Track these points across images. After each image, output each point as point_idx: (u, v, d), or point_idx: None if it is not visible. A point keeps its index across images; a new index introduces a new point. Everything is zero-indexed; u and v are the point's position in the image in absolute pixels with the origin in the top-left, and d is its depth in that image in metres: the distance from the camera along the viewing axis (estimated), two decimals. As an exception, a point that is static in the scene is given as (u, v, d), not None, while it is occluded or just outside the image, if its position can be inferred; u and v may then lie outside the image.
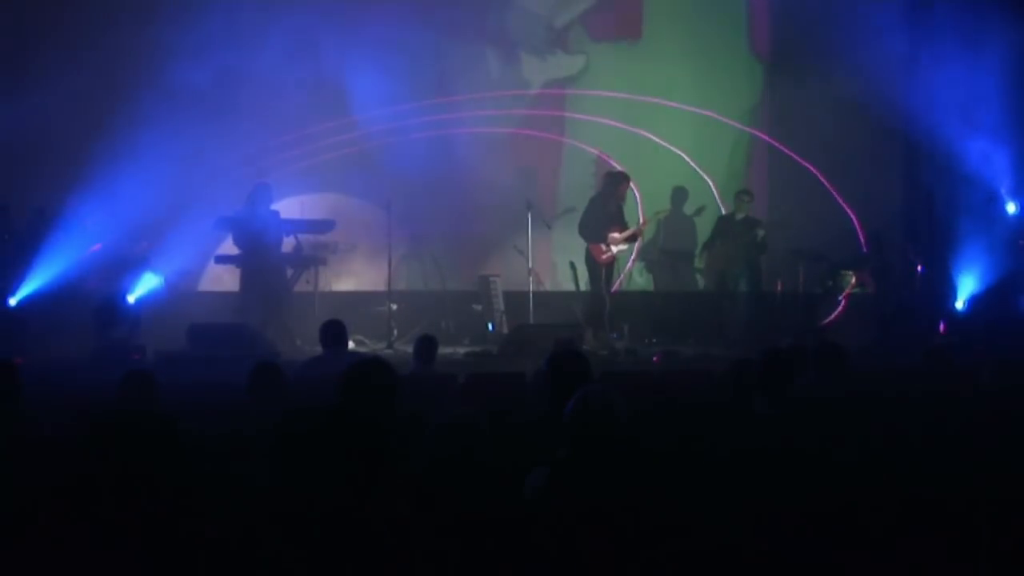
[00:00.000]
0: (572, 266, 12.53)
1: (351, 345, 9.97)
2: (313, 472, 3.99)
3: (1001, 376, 6.14)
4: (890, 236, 12.74)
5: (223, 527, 3.40)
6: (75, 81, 12.09)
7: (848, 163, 12.89)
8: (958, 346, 10.29)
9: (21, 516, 3.45)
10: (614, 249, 11.58)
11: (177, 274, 12.22)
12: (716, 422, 5.16)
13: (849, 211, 13.05)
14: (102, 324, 10.75)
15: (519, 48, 13.84)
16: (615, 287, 12.10)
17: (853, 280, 12.50)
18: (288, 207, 12.18)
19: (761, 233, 12.10)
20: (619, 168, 12.56)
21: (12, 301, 11.22)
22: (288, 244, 11.74)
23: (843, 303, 12.48)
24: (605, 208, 11.58)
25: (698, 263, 13.11)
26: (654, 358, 10.80)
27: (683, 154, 13.39)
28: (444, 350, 9.36)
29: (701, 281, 13.27)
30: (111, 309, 10.98)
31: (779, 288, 12.81)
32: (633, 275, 13.46)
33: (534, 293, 12.08)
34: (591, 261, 11.59)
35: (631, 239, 11.80)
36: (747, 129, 13.65)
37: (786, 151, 13.28)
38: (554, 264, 13.36)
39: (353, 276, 13.21)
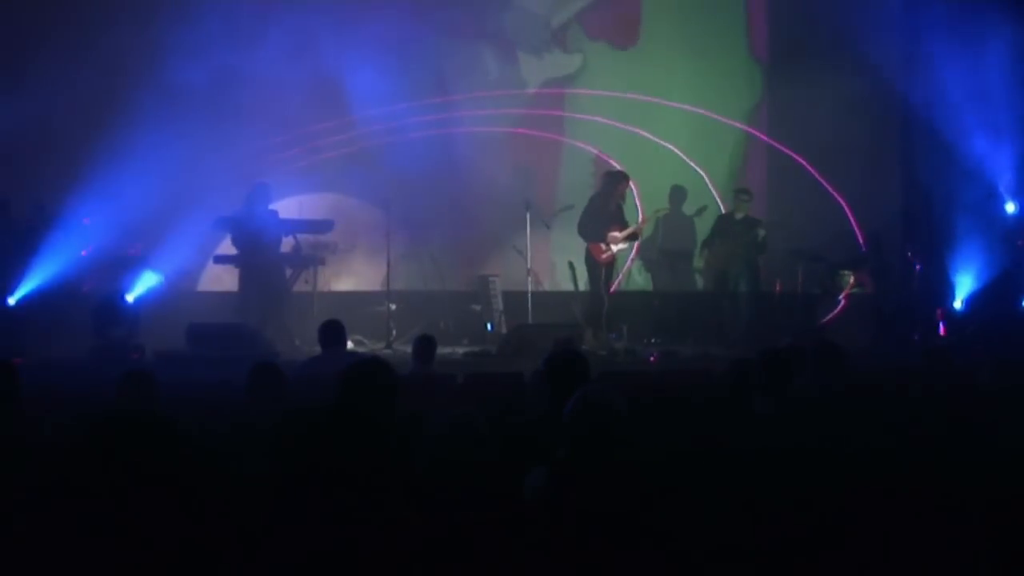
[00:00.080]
0: (571, 266, 12.53)
1: (350, 345, 9.96)
2: (312, 472, 4.00)
3: (1000, 376, 6.15)
4: (889, 236, 12.74)
5: (222, 527, 3.40)
6: (75, 80, 12.10)
7: (847, 163, 12.88)
8: (957, 346, 10.30)
9: (20, 516, 3.45)
10: (614, 248, 11.58)
11: (176, 273, 12.22)
12: (715, 422, 5.17)
13: (848, 211, 13.05)
14: (101, 324, 10.75)
15: (517, 47, 13.85)
16: (614, 286, 12.08)
17: (852, 280, 12.50)
18: (287, 207, 12.17)
19: (762, 233, 12.08)
20: (618, 167, 12.56)
21: (11, 300, 11.21)
22: (287, 244, 11.75)
23: (842, 303, 12.48)
24: (604, 208, 11.58)
25: (697, 263, 13.10)
26: (651, 358, 10.81)
27: (680, 153, 13.39)
28: (443, 350, 9.36)
29: (700, 281, 13.27)
30: (110, 309, 10.99)
31: (778, 288, 12.81)
32: (633, 274, 13.46)
33: (533, 293, 12.08)
34: (591, 261, 11.58)
35: (631, 238, 11.79)
36: (746, 129, 13.65)
37: (785, 151, 13.28)
38: (553, 264, 13.36)
39: (352, 276, 13.22)
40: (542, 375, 5.09)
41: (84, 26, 12.40)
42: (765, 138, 13.59)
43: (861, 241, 12.91)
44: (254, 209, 11.38)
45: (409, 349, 8.36)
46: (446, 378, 7.65)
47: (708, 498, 3.65)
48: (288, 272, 11.71)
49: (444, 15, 13.39)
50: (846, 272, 12.49)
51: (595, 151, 13.55)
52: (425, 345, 7.82)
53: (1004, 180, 12.41)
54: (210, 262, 12.31)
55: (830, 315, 12.40)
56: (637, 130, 13.41)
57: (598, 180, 12.36)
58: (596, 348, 10.99)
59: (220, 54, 11.91)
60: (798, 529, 3.48)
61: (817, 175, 13.06)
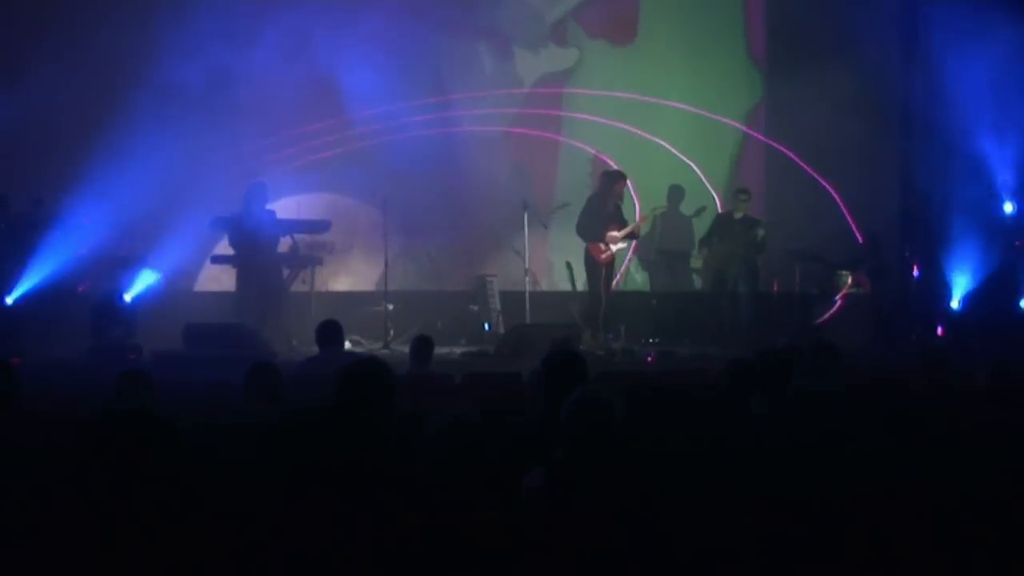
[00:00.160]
0: (568, 266, 12.53)
1: (347, 345, 9.96)
2: (309, 472, 4.00)
3: (997, 376, 6.15)
4: (887, 236, 12.74)
5: (219, 526, 3.40)
6: (72, 80, 12.11)
7: (844, 163, 12.88)
8: (955, 346, 10.31)
9: (19, 517, 3.45)
10: (613, 248, 11.58)
11: (173, 273, 12.22)
12: (712, 422, 5.17)
13: (845, 211, 13.05)
14: (99, 324, 10.75)
15: (512, 43, 13.83)
16: (613, 285, 12.07)
17: (849, 280, 12.51)
18: (284, 207, 12.18)
19: (761, 233, 12.06)
20: (615, 167, 12.57)
21: (9, 300, 11.21)
22: (284, 244, 11.75)
23: (839, 303, 12.48)
24: (603, 207, 11.57)
25: (695, 262, 13.09)
26: (648, 358, 10.80)
27: (678, 152, 13.38)
28: (440, 350, 9.36)
29: (698, 281, 13.26)
30: (108, 309, 10.98)
31: (776, 288, 12.81)
32: (631, 273, 13.44)
33: (530, 293, 12.09)
34: (590, 261, 11.58)
35: (629, 237, 11.78)
36: (744, 129, 13.64)
37: (783, 150, 13.28)
38: (551, 264, 13.36)
39: (349, 276, 13.22)
40: (540, 375, 5.09)
41: (81, 26, 12.41)
42: (763, 138, 13.59)
43: (859, 241, 12.91)
44: (251, 209, 11.38)
45: (407, 349, 8.36)
46: (444, 378, 7.65)
47: (706, 498, 3.66)
48: (286, 272, 11.71)
49: (439, 12, 13.40)
50: (844, 272, 12.50)
51: (593, 151, 13.55)
52: (422, 345, 7.82)
53: (1002, 180, 12.41)
54: (207, 262, 12.31)
55: (827, 315, 12.40)
56: (635, 129, 13.41)
57: (595, 180, 12.35)
58: (594, 348, 10.98)
59: (217, 53, 11.91)
60: (796, 529, 3.49)
61: (815, 175, 13.06)
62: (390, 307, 11.99)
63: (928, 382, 6.45)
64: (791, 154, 13.19)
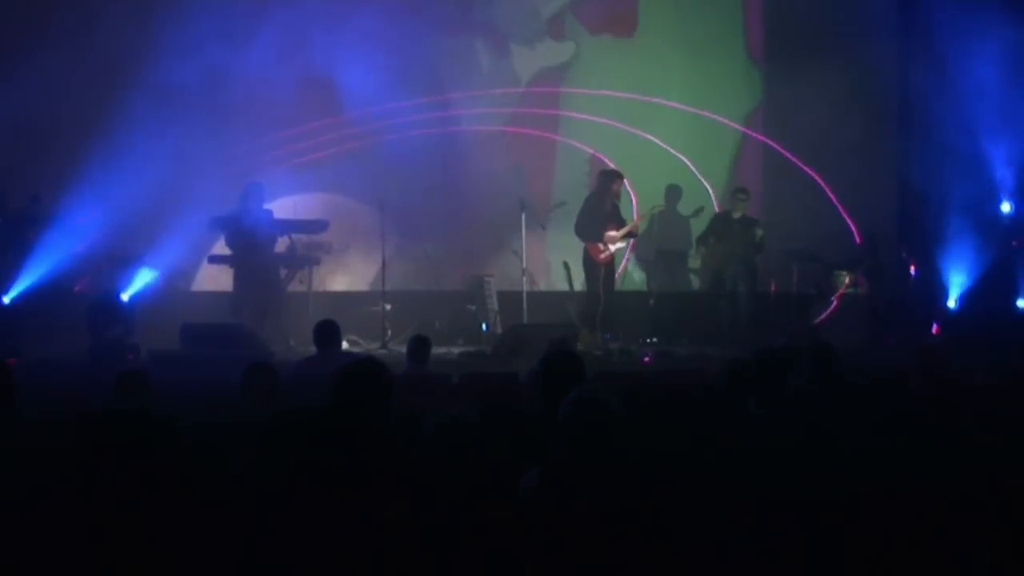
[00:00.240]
0: (566, 266, 12.52)
1: (345, 345, 9.96)
2: (306, 472, 4.00)
3: (993, 375, 6.16)
4: (884, 236, 12.73)
5: (217, 526, 3.40)
6: (68, 79, 12.13)
7: (842, 162, 12.88)
8: (952, 345, 10.31)
9: (17, 517, 3.45)
10: (612, 248, 11.57)
11: (170, 273, 12.22)
12: (709, 422, 5.17)
13: (843, 211, 13.05)
14: (97, 324, 10.74)
15: (508, 39, 13.81)
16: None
17: (847, 280, 12.51)
18: (282, 207, 12.18)
19: (760, 233, 12.04)
20: (612, 166, 12.56)
21: (6, 299, 11.20)
22: (282, 244, 11.75)
23: (836, 303, 12.48)
24: (600, 207, 11.57)
25: (693, 262, 13.08)
26: (645, 359, 10.80)
27: (676, 151, 13.38)
28: (438, 350, 9.37)
29: (696, 281, 13.26)
30: (106, 308, 10.98)
31: (773, 288, 12.81)
32: (629, 272, 13.43)
33: (528, 293, 12.08)
34: (589, 261, 11.57)
35: (628, 236, 11.78)
36: (741, 128, 13.63)
37: (780, 150, 13.28)
38: (548, 264, 13.34)
39: (347, 276, 13.22)
40: (537, 375, 5.09)
41: (78, 25, 12.40)
42: (761, 137, 13.58)
43: (857, 241, 12.90)
44: (248, 208, 11.37)
45: (404, 349, 8.36)
46: (441, 378, 7.65)
47: (703, 498, 3.66)
48: (283, 272, 11.71)
49: (436, 10, 13.40)
50: (841, 272, 12.50)
51: (591, 150, 13.53)
52: (420, 345, 7.82)
53: (1000, 179, 12.42)
54: (205, 262, 12.31)
55: (824, 315, 12.41)
56: (632, 129, 13.40)
57: (592, 180, 12.34)
58: (591, 348, 10.99)
59: (214, 53, 11.92)
60: (793, 529, 3.49)
61: (812, 174, 13.06)
62: (387, 307, 11.99)
63: (925, 381, 6.45)
64: (788, 154, 13.19)
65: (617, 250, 11.75)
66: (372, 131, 13.14)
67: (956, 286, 12.21)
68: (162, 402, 5.74)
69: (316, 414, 4.46)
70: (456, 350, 11.46)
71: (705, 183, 13.31)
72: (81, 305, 11.09)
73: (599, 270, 11.53)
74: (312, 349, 8.11)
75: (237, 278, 11.50)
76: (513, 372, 7.76)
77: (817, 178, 13.05)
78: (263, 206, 11.54)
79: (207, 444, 4.49)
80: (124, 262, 11.80)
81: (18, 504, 3.57)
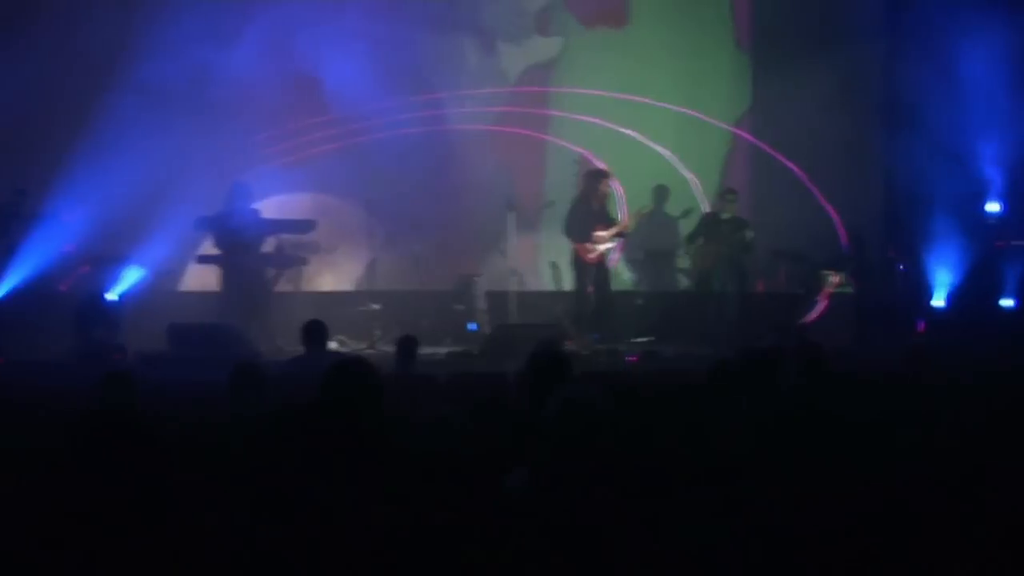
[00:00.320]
0: (554, 266, 12.53)
1: (332, 345, 9.95)
2: (294, 472, 3.99)
3: (978, 375, 6.19)
4: (871, 236, 12.76)
5: (203, 526, 3.40)
6: (53, 78, 12.09)
7: (829, 162, 12.90)
8: (938, 345, 10.34)
9: (2, 518, 3.44)
10: (600, 248, 11.57)
11: (157, 272, 12.19)
12: (696, 422, 5.17)
13: (831, 211, 13.07)
14: (83, 324, 10.70)
15: (495, 36, 13.79)
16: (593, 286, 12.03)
17: (835, 280, 12.53)
18: (268, 207, 12.15)
19: (749, 235, 12.04)
20: (598, 166, 12.57)
21: (-9, 301, 11.18)
22: (269, 244, 11.73)
23: (824, 303, 12.51)
24: (588, 207, 11.58)
25: (681, 262, 13.08)
26: (631, 358, 10.80)
27: (664, 150, 13.37)
28: (425, 350, 9.36)
29: (684, 281, 13.26)
30: (92, 309, 10.94)
31: (761, 288, 12.83)
32: (619, 272, 13.41)
33: (516, 293, 12.08)
34: (578, 261, 11.57)
35: (617, 236, 11.78)
36: (729, 128, 13.62)
37: (768, 150, 13.29)
38: (536, 264, 13.34)
39: (334, 276, 13.19)
40: (525, 375, 5.10)
41: (64, 23, 12.37)
42: (750, 138, 13.57)
43: (844, 241, 12.92)
44: (235, 208, 11.35)
45: (392, 349, 8.35)
46: (429, 378, 7.65)
47: (690, 498, 3.66)
48: (271, 272, 11.69)
49: (422, 8, 13.39)
50: (828, 272, 12.52)
51: (580, 149, 13.51)
52: (407, 345, 7.82)
53: (988, 179, 12.45)
54: (192, 262, 12.28)
55: (811, 314, 12.43)
56: (621, 128, 13.38)
57: (579, 180, 12.35)
58: (579, 348, 10.99)
59: (199, 51, 11.91)
60: (781, 529, 3.50)
61: (800, 174, 13.07)
62: (375, 307, 11.98)
63: (910, 381, 6.47)
64: (776, 153, 13.20)
65: (606, 250, 11.75)
66: (359, 130, 13.12)
67: (942, 285, 12.24)
68: (148, 403, 5.73)
69: (304, 414, 4.46)
70: (444, 350, 11.45)
71: (692, 181, 13.29)
72: (67, 305, 11.05)
73: (588, 270, 11.53)
74: (300, 349, 8.10)
75: (224, 278, 11.48)
76: (501, 372, 7.76)
77: (804, 178, 13.07)
78: (250, 206, 11.52)
79: (194, 445, 4.48)
80: (110, 261, 11.76)
81: (2, 505, 3.56)
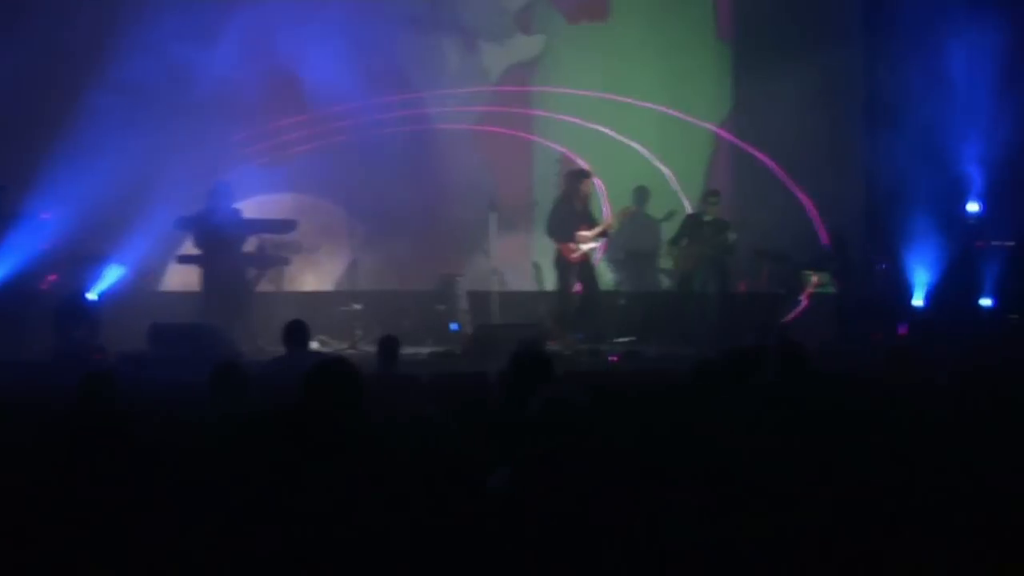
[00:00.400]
0: (536, 266, 12.53)
1: (314, 345, 9.93)
2: (275, 473, 3.98)
3: (958, 376, 6.21)
4: (852, 235, 12.79)
5: (183, 526, 3.39)
6: (32, 76, 12.04)
7: (810, 162, 12.94)
8: (918, 345, 10.38)
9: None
10: (583, 248, 11.58)
11: (138, 272, 12.14)
12: (678, 421, 5.18)
13: (812, 210, 13.11)
14: (63, 324, 10.65)
15: (476, 35, 13.78)
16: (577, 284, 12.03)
17: (815, 279, 12.57)
18: (249, 206, 12.12)
19: (732, 236, 12.05)
20: (580, 165, 12.58)
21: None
22: (251, 244, 11.70)
23: (805, 302, 12.55)
24: (571, 207, 11.58)
25: (664, 262, 13.10)
26: (612, 358, 10.81)
27: (645, 149, 13.39)
28: (407, 350, 9.34)
29: (665, 281, 13.27)
30: (72, 309, 10.88)
31: (743, 288, 12.85)
32: (601, 272, 13.41)
33: (497, 293, 12.08)
34: (561, 261, 11.58)
35: (600, 236, 11.79)
36: (712, 128, 13.64)
37: (750, 150, 13.32)
38: (517, 264, 13.34)
39: (316, 276, 13.17)
40: (507, 375, 5.10)
41: (44, 21, 12.31)
42: (731, 137, 13.60)
43: (825, 240, 12.95)
44: (216, 207, 11.31)
45: (373, 349, 8.34)
46: (410, 378, 7.64)
47: (672, 497, 3.67)
48: (252, 273, 11.66)
49: (402, 6, 13.38)
50: (810, 272, 12.56)
51: (562, 149, 13.52)
52: (389, 345, 7.80)
53: (968, 179, 12.51)
54: (173, 261, 12.25)
55: (792, 314, 12.46)
56: (603, 128, 13.40)
57: (561, 180, 12.36)
58: (562, 348, 11.00)
59: (179, 50, 11.88)
60: (762, 529, 3.50)
61: (781, 174, 13.10)
62: (357, 307, 11.97)
63: (891, 381, 6.50)
64: (757, 153, 13.23)
65: (589, 249, 11.75)
66: (340, 130, 13.10)
67: (921, 285, 12.30)
68: (129, 403, 5.71)
69: (285, 414, 4.45)
70: (425, 350, 11.44)
71: (669, 176, 13.30)
72: (47, 304, 10.99)
73: (572, 270, 11.54)
74: (281, 349, 8.08)
75: (205, 278, 11.44)
76: (482, 372, 7.75)
77: (784, 177, 13.10)
78: (231, 205, 11.49)
79: (175, 445, 4.47)
80: (91, 260, 11.71)
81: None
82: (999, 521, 3.57)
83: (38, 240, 11.41)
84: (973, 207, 12.55)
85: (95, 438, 3.74)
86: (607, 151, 13.28)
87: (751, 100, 13.11)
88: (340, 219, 12.40)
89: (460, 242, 13.11)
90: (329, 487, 3.83)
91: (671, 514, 3.53)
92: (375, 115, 12.94)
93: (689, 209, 12.96)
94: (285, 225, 11.88)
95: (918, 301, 12.30)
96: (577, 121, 13.38)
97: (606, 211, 12.70)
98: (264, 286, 11.74)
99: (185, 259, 11.82)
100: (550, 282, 12.26)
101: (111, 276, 11.64)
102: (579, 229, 11.50)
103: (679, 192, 13.30)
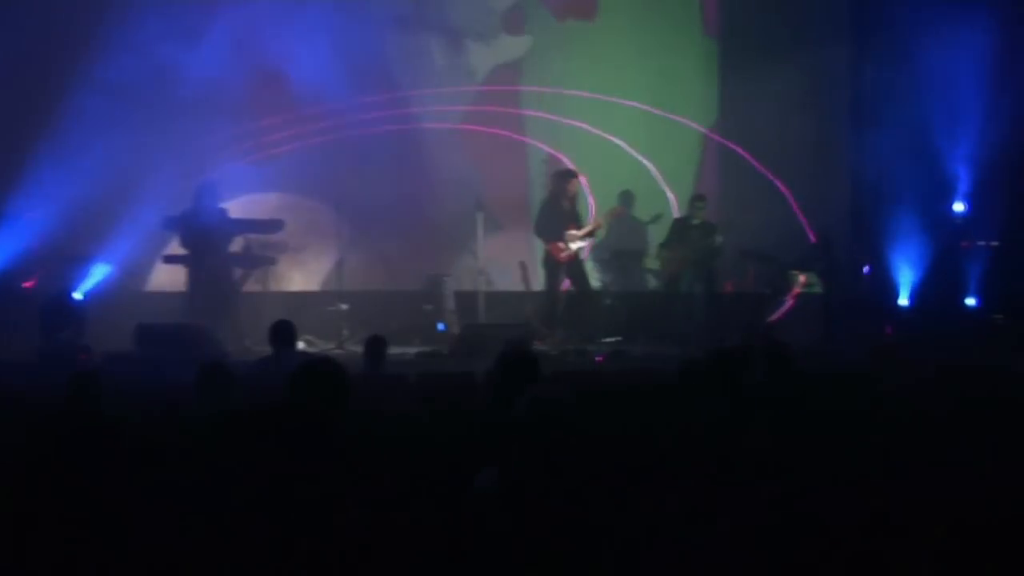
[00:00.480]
0: (522, 266, 12.54)
1: (300, 345, 9.92)
2: (261, 472, 3.98)
3: (943, 376, 6.24)
4: (838, 235, 12.83)
5: (169, 527, 3.38)
6: (15, 74, 11.99)
7: (796, 162, 12.97)
8: (904, 345, 10.42)
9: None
10: (572, 247, 11.58)
11: (123, 272, 12.12)
12: (665, 422, 5.20)
13: (797, 211, 13.14)
14: (49, 325, 10.62)
15: (463, 34, 13.78)
16: (566, 283, 12.04)
17: (802, 279, 12.60)
18: (235, 206, 12.10)
19: (719, 240, 12.08)
20: (567, 165, 12.60)
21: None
22: (237, 244, 11.67)
23: (790, 302, 12.58)
24: (559, 207, 11.59)
25: (651, 263, 13.11)
26: (597, 358, 10.82)
27: (632, 150, 13.41)
28: (394, 350, 9.34)
29: (651, 281, 13.29)
30: (58, 310, 10.85)
31: (729, 289, 12.88)
32: (588, 272, 13.41)
33: (484, 293, 12.09)
34: (550, 261, 11.58)
35: (589, 235, 11.80)
36: (698, 128, 13.66)
37: (738, 149, 13.35)
38: (505, 264, 13.33)
39: (303, 276, 13.15)
40: (493, 375, 5.10)
41: (27, 20, 12.28)
42: (718, 138, 13.63)
43: (812, 241, 12.98)
44: (202, 207, 11.28)
45: (360, 349, 8.34)
46: (397, 378, 7.64)
47: (658, 498, 3.68)
48: (239, 272, 11.64)
49: (389, 5, 13.38)
50: (796, 272, 12.59)
51: (549, 148, 13.53)
52: (376, 345, 7.80)
53: (953, 179, 12.56)
54: (159, 261, 12.22)
55: (778, 314, 12.49)
56: (590, 127, 13.41)
57: (548, 180, 12.37)
58: (549, 348, 11.01)
59: (164, 49, 11.87)
60: (753, 529, 3.51)
61: (768, 174, 13.14)
62: (343, 307, 11.96)
63: (877, 381, 6.52)
64: (745, 153, 13.26)
65: (577, 249, 11.75)
66: (327, 129, 13.09)
67: (906, 284, 12.34)
68: (115, 404, 5.70)
69: (272, 415, 4.45)
70: (412, 350, 11.43)
71: (652, 170, 13.33)
72: (32, 303, 10.96)
73: (560, 269, 11.55)
74: (268, 349, 8.07)
75: (191, 278, 11.41)
76: (469, 372, 7.76)
77: (773, 178, 13.13)
78: (217, 205, 11.46)
79: (161, 445, 4.46)
80: (76, 260, 11.68)
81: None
82: (986, 518, 3.59)
83: (23, 239, 11.38)
84: (959, 207, 12.60)
85: (81, 439, 3.73)
86: (593, 150, 13.30)
87: (737, 99, 13.14)
88: (327, 218, 12.38)
89: (447, 242, 13.11)
90: (315, 487, 3.83)
91: (657, 513, 3.54)
92: (361, 114, 12.93)
93: (675, 207, 12.99)
94: (271, 225, 11.86)
95: (903, 300, 12.35)
96: (564, 120, 13.40)
97: (592, 211, 12.71)
98: (250, 286, 11.72)
99: (171, 259, 11.79)
100: (537, 282, 12.26)
101: (97, 275, 11.61)
102: (567, 228, 11.51)
103: (666, 190, 13.31)
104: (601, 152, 13.35)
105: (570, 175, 11.81)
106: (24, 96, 12.22)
